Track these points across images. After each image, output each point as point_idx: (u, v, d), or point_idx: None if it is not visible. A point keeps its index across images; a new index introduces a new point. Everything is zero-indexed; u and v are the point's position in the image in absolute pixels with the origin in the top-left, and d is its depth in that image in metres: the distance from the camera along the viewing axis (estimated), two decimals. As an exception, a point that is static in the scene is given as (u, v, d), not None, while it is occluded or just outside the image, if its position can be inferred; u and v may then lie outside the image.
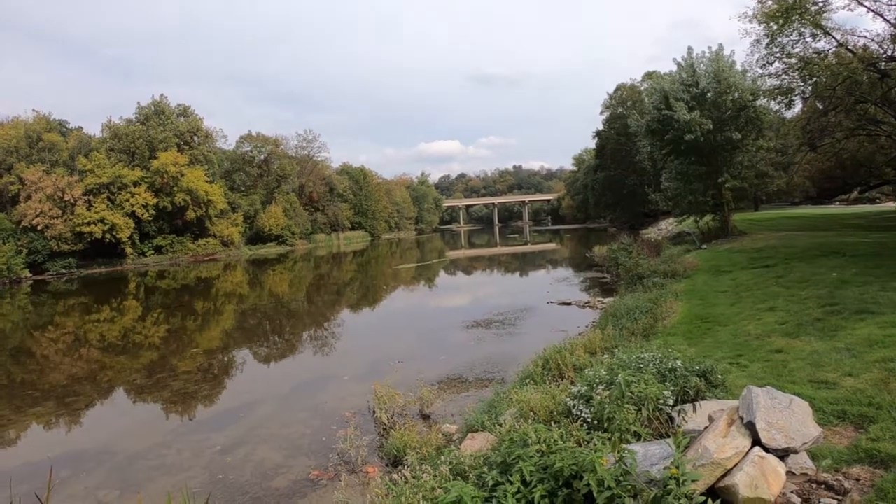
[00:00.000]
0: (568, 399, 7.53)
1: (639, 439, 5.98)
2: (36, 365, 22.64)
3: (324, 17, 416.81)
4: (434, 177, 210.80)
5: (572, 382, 9.74)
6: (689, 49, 31.71)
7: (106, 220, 67.16)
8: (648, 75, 74.24)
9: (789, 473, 5.34)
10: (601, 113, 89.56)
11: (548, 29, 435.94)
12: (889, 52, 26.63)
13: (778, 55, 27.57)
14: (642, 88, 75.07)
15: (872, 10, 25.08)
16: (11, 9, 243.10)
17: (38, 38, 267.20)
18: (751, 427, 5.39)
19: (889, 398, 6.82)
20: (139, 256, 73.60)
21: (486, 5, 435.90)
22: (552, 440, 5.39)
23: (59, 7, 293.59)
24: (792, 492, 5.13)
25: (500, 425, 8.19)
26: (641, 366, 7.60)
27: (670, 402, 6.60)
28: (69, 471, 11.19)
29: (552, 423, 7.17)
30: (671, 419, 6.48)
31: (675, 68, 32.50)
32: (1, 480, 10.71)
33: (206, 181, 78.63)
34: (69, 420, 15.31)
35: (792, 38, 26.60)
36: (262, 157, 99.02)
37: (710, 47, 31.26)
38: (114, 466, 11.44)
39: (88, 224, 65.91)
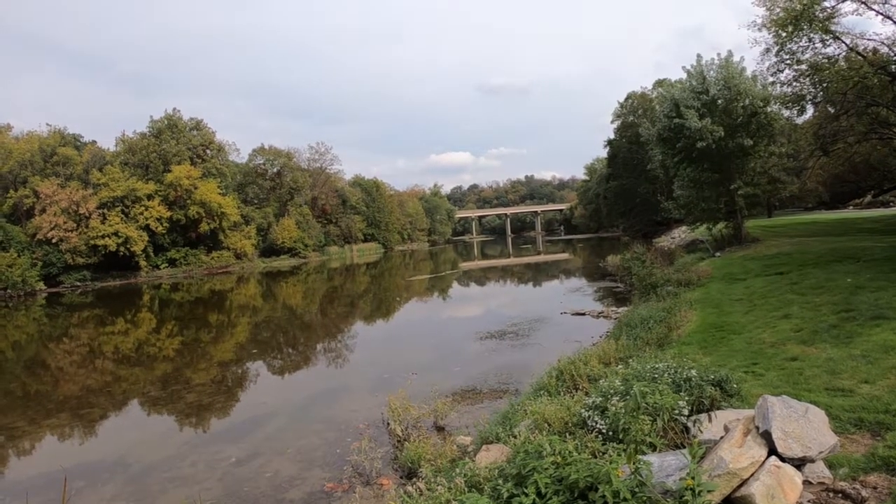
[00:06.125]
0: (583, 410, 7.51)
1: (654, 450, 5.96)
2: (50, 376, 22.79)
3: (332, 31, 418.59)
4: (446, 188, 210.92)
5: (587, 393, 9.70)
6: (699, 56, 31.67)
7: (120, 234, 67.75)
8: (659, 83, 74.07)
9: (806, 482, 5.30)
10: (612, 122, 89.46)
11: (552, 38, 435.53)
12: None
13: (788, 62, 27.58)
14: (653, 96, 74.91)
15: (882, 14, 25.02)
16: (27, 25, 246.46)
17: (54, 54, 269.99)
18: (767, 436, 5.37)
19: (906, 405, 6.77)
20: (153, 269, 74.02)
21: (490, 16, 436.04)
22: (567, 452, 5.38)
23: (75, 23, 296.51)
24: (809, 501, 5.09)
25: (515, 437, 8.18)
26: (656, 376, 7.58)
27: (685, 412, 6.57)
28: (84, 482, 11.24)
29: (567, 434, 7.14)
30: (686, 429, 6.45)
31: (684, 75, 32.47)
32: (16, 491, 10.83)
33: (220, 194, 79.15)
34: (84, 431, 15.39)
35: (801, 44, 26.59)
36: (275, 169, 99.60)
37: (718, 54, 31.26)
38: (128, 478, 11.48)
39: (103, 237, 66.48)
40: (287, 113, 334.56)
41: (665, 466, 4.98)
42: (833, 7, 24.76)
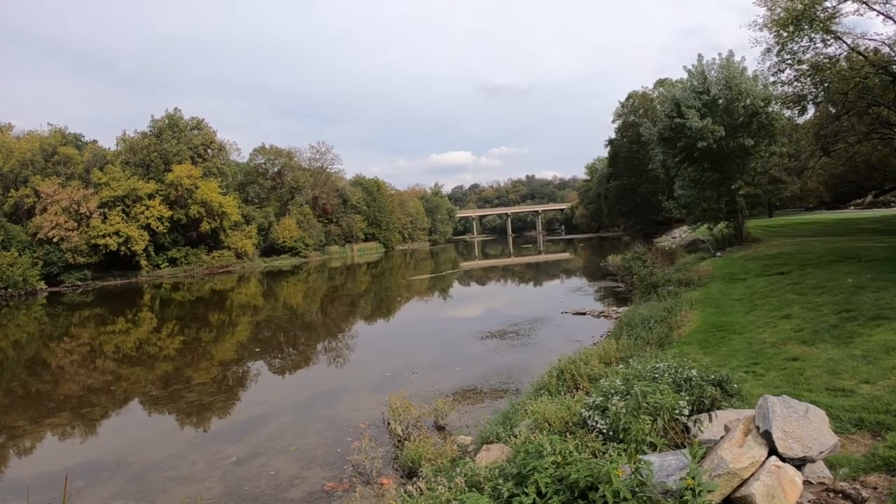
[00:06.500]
0: (583, 410, 7.49)
1: (654, 450, 5.95)
2: (51, 376, 22.81)
3: (333, 34, 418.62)
4: (447, 188, 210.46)
5: (587, 393, 9.70)
6: (700, 56, 31.60)
7: (121, 233, 67.95)
8: (660, 83, 73.97)
9: (806, 483, 5.30)
10: (613, 121, 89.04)
11: (554, 39, 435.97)
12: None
13: (789, 62, 27.58)
14: (654, 96, 74.83)
15: (883, 14, 25.00)
16: (30, 24, 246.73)
17: (56, 53, 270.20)
18: (767, 436, 5.36)
19: (906, 406, 6.77)
20: (154, 268, 74.16)
21: (491, 17, 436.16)
22: (567, 451, 5.37)
23: (77, 22, 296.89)
24: (809, 501, 5.09)
25: (515, 436, 8.17)
26: (657, 375, 7.57)
27: (686, 411, 6.56)
28: (84, 481, 11.25)
29: (567, 434, 7.14)
30: (687, 429, 6.45)
31: (685, 75, 32.42)
32: (17, 490, 10.83)
33: (220, 193, 79.28)
34: (84, 430, 15.41)
35: (802, 44, 26.59)
36: (276, 169, 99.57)
37: (720, 54, 31.16)
38: (129, 477, 11.49)
39: (103, 236, 66.68)
40: (288, 113, 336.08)
41: (665, 466, 4.97)
42: (834, 7, 24.76)
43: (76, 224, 66.12)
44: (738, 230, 33.70)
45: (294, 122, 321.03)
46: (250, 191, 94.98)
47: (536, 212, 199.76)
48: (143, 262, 72.16)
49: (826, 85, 27.78)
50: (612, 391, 7.29)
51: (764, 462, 5.18)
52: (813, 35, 25.93)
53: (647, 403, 6.55)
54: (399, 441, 11.44)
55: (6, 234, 62.38)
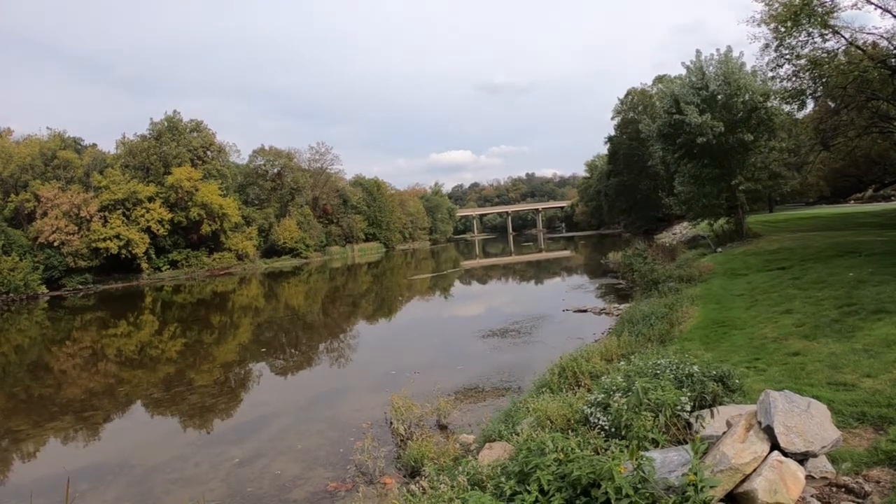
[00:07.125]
0: (585, 407, 7.50)
1: (657, 446, 5.95)
2: (53, 380, 22.81)
3: (333, 35, 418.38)
4: (447, 187, 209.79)
5: (589, 390, 9.70)
6: (698, 52, 31.59)
7: (121, 236, 67.96)
8: (659, 79, 73.83)
9: (809, 477, 5.29)
10: (612, 118, 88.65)
11: (555, 38, 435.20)
12: (899, 48, 26.53)
13: (787, 57, 27.54)
14: (653, 92, 74.67)
15: (881, 7, 25.01)
16: (29, 27, 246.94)
17: (53, 56, 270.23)
18: (769, 431, 5.35)
19: (909, 399, 6.76)
20: (155, 271, 74.08)
21: (490, 16, 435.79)
22: (569, 448, 5.37)
23: (74, 25, 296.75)
24: (812, 496, 5.08)
25: (518, 434, 8.17)
26: (658, 372, 7.56)
27: (688, 407, 6.55)
28: (87, 484, 11.26)
29: (569, 431, 7.14)
30: (689, 425, 6.45)
31: (684, 71, 32.39)
32: (20, 493, 10.84)
33: (221, 195, 79.13)
34: (87, 434, 15.40)
35: (801, 39, 26.56)
36: (276, 170, 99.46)
37: (718, 49, 31.16)
38: (132, 480, 11.50)
39: (104, 240, 66.70)
40: (288, 114, 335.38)
41: (667, 462, 4.97)
42: (832, 1, 24.73)
43: (77, 228, 66.12)
44: (738, 226, 33.70)
45: (293, 123, 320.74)
46: (250, 192, 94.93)
47: (537, 210, 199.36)
48: (144, 265, 72.15)
49: (825, 79, 27.74)
50: (614, 388, 7.29)
51: (766, 457, 5.17)
52: (811, 30, 25.89)
53: (648, 400, 6.55)
54: (401, 440, 11.47)
55: (7, 238, 62.32)
